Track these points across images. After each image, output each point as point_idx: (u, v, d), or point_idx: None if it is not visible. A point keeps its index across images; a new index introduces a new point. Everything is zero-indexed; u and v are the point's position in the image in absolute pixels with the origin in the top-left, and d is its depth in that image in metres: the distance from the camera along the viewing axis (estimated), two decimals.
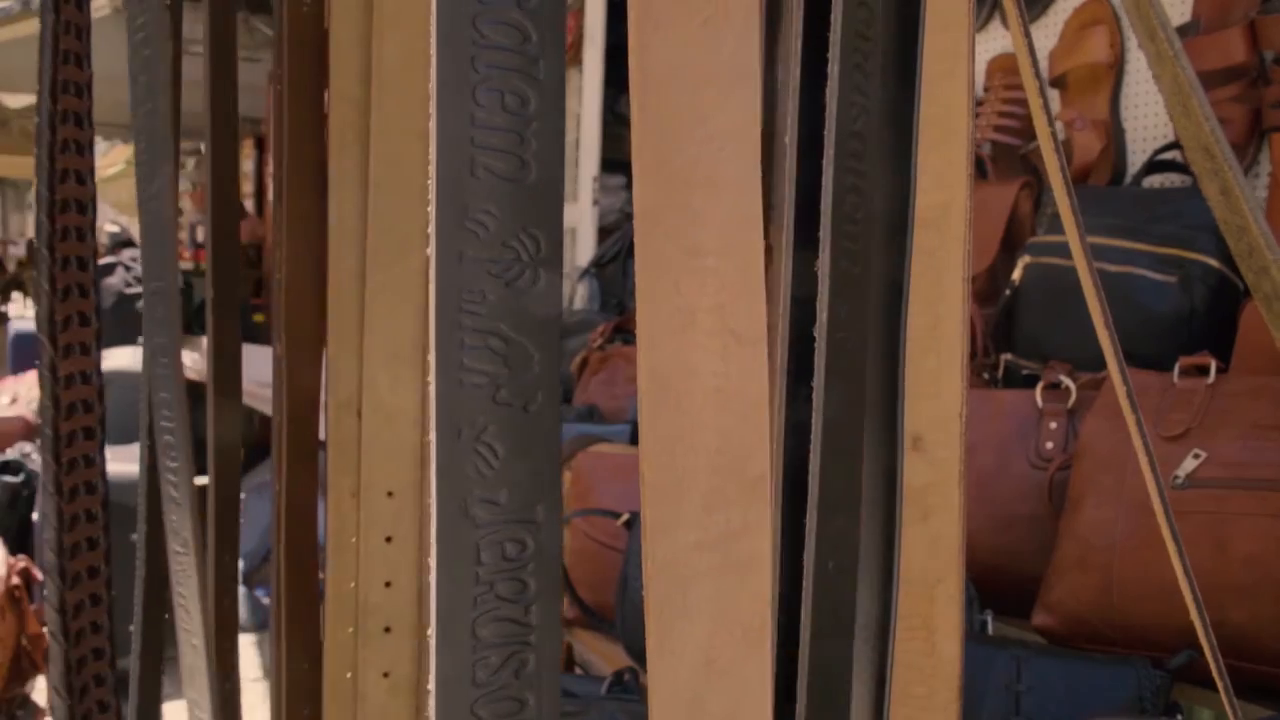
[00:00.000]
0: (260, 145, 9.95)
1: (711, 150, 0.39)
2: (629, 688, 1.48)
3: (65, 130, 0.66)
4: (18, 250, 16.71)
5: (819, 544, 0.39)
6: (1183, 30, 1.84)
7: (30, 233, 23.60)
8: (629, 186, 3.68)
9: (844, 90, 0.38)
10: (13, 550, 2.65)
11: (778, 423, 0.39)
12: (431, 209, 0.31)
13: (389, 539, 0.70)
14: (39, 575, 2.66)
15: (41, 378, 0.71)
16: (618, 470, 1.87)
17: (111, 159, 18.51)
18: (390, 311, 0.69)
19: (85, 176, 0.72)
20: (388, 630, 0.70)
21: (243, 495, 2.96)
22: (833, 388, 0.38)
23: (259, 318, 6.17)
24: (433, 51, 0.31)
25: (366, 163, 0.69)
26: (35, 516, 2.82)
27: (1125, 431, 1.40)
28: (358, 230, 0.69)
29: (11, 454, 3.17)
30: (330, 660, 0.70)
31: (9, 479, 3.05)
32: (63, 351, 0.71)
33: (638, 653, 1.60)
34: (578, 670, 1.93)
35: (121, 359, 3.43)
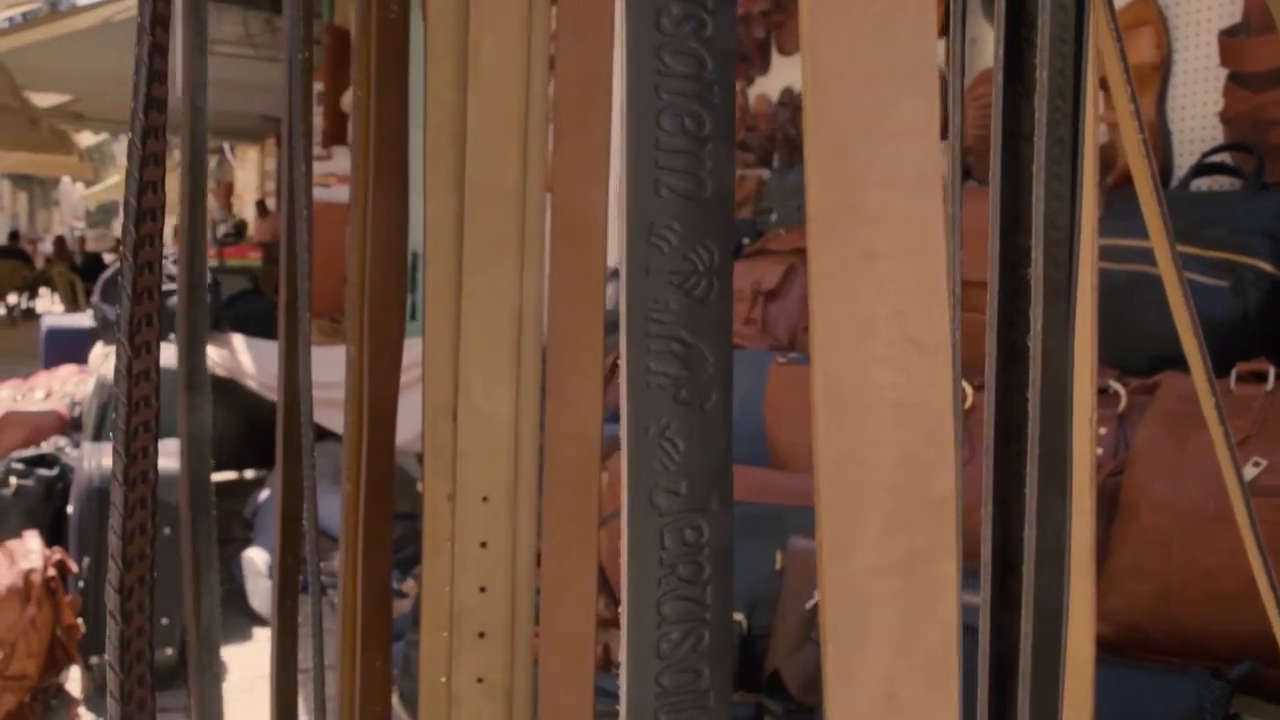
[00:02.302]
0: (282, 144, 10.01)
1: (889, 149, 0.37)
2: None
3: (151, 144, 0.67)
4: (45, 247, 16.88)
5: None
6: (1232, 31, 1.82)
7: (55, 230, 23.86)
8: None
9: (1051, 96, 0.38)
10: (48, 543, 2.68)
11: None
12: (620, 226, 0.32)
13: (484, 544, 0.70)
14: (73, 567, 2.68)
15: (117, 376, 0.72)
16: None
17: None
18: (486, 316, 0.69)
19: (160, 186, 0.74)
20: (482, 635, 0.70)
21: (268, 491, 2.97)
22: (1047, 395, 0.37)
23: None
24: (621, 81, 0.32)
25: (461, 167, 0.69)
26: (70, 509, 2.84)
27: (1182, 439, 1.39)
28: (453, 235, 0.69)
29: (46, 448, 3.20)
30: (425, 664, 0.70)
31: (44, 472, 3.08)
32: (136, 350, 0.72)
33: None
34: (616, 670, 1.92)
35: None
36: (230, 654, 2.89)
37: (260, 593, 3.09)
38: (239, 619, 3.10)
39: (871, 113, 0.37)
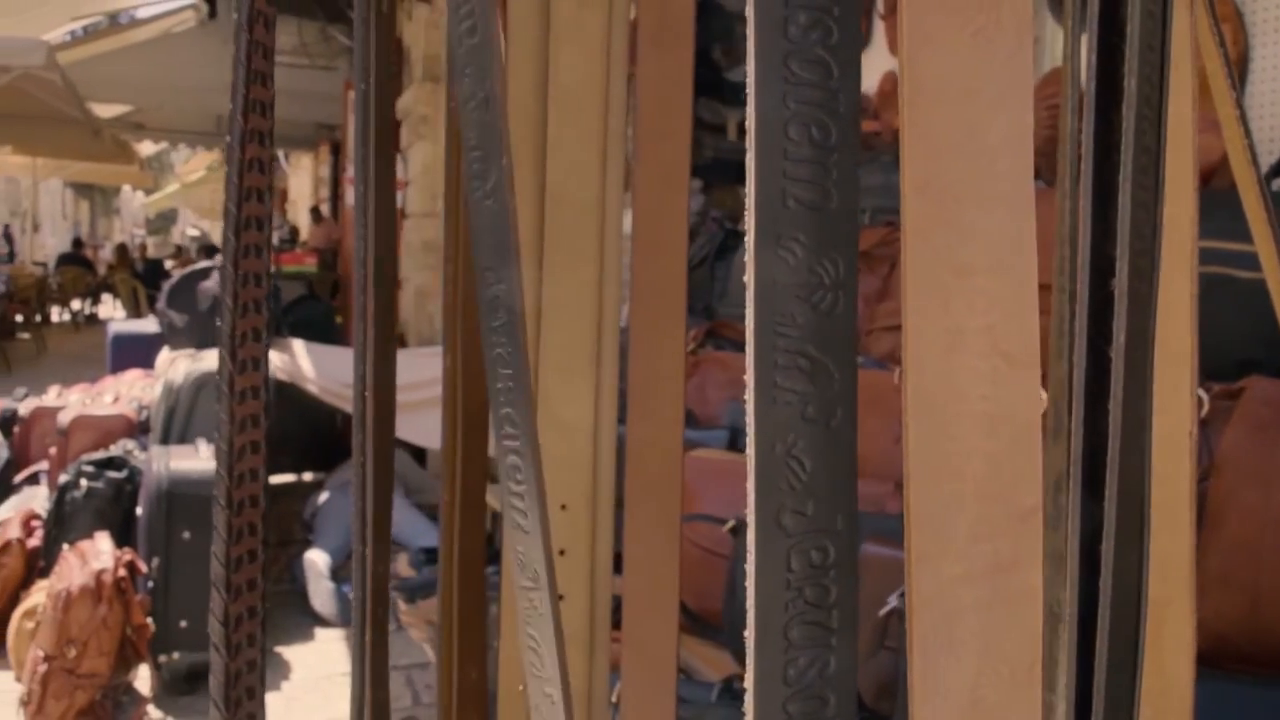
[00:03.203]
0: (336, 151, 10.15)
1: (983, 165, 0.38)
2: (739, 694, 1.47)
3: (252, 149, 0.68)
4: (106, 254, 17.29)
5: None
6: None
7: (116, 237, 24.39)
8: (705, 190, 3.67)
9: (1139, 105, 0.37)
10: (117, 543, 2.74)
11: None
12: (749, 238, 0.31)
13: (562, 552, 0.71)
14: (142, 568, 2.74)
15: (220, 393, 0.73)
16: (718, 475, 1.86)
17: (194, 165, 19.01)
18: (565, 325, 0.70)
19: (265, 194, 0.74)
20: None
21: (327, 494, 3.01)
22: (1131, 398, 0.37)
23: (339, 319, 6.29)
24: (751, 91, 0.31)
25: (541, 176, 0.69)
26: (139, 511, 2.90)
27: (1271, 445, 1.35)
28: (533, 244, 0.69)
29: (115, 450, 3.27)
30: (503, 672, 0.70)
31: (113, 475, 3.14)
32: (239, 367, 0.72)
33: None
34: (681, 676, 1.93)
35: (217, 360, 3.52)
36: (293, 654, 2.93)
37: (322, 594, 3.13)
38: (301, 620, 3.15)
39: (967, 129, 0.37)
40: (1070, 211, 0.43)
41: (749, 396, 0.31)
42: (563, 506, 0.71)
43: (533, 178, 0.69)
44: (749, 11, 0.31)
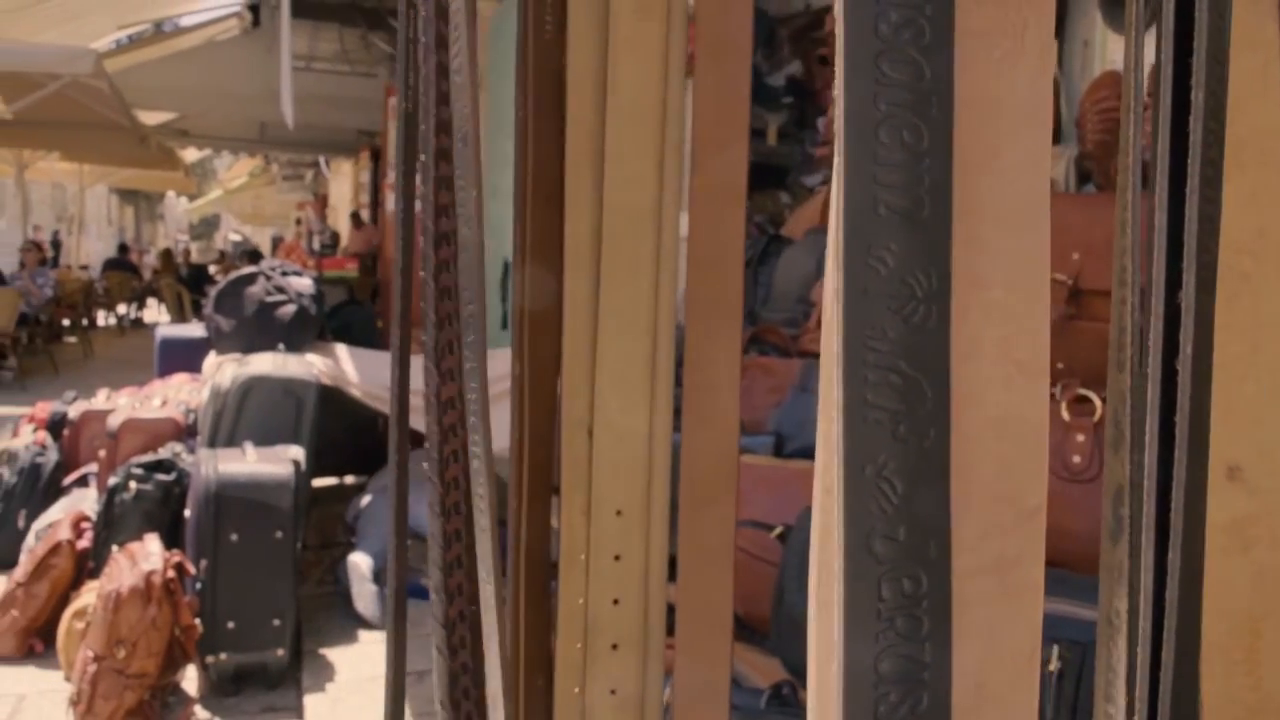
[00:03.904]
0: (376, 157, 10.25)
1: (1002, 184, 0.39)
2: (788, 701, 1.47)
3: (444, 168, 0.69)
4: (150, 259, 17.57)
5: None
6: None
7: (161, 243, 24.72)
8: (747, 194, 3.67)
9: (1206, 119, 0.37)
10: (166, 545, 2.78)
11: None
12: (836, 245, 0.31)
13: (617, 557, 0.71)
14: (191, 569, 2.78)
15: (427, 403, 0.73)
16: (764, 481, 1.86)
17: (235, 171, 19.27)
18: (621, 333, 0.70)
19: (451, 211, 0.75)
20: (615, 648, 0.71)
21: (369, 496, 3.03)
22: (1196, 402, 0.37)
23: (380, 323, 6.35)
24: (839, 91, 0.31)
25: (599, 187, 0.70)
26: (187, 513, 2.95)
27: None
28: (591, 253, 0.70)
29: (164, 453, 3.32)
30: (559, 675, 0.71)
31: (162, 477, 3.19)
32: (444, 377, 0.73)
33: (796, 667, 1.59)
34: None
35: (263, 365, 3.57)
36: (337, 656, 2.96)
37: (365, 596, 3.16)
38: (345, 622, 3.18)
39: (987, 149, 0.38)
40: (1133, 224, 0.43)
41: (837, 414, 0.31)
42: (618, 512, 0.71)
43: (590, 188, 0.70)
44: (838, 9, 0.31)
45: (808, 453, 2.12)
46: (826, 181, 3.47)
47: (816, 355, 2.28)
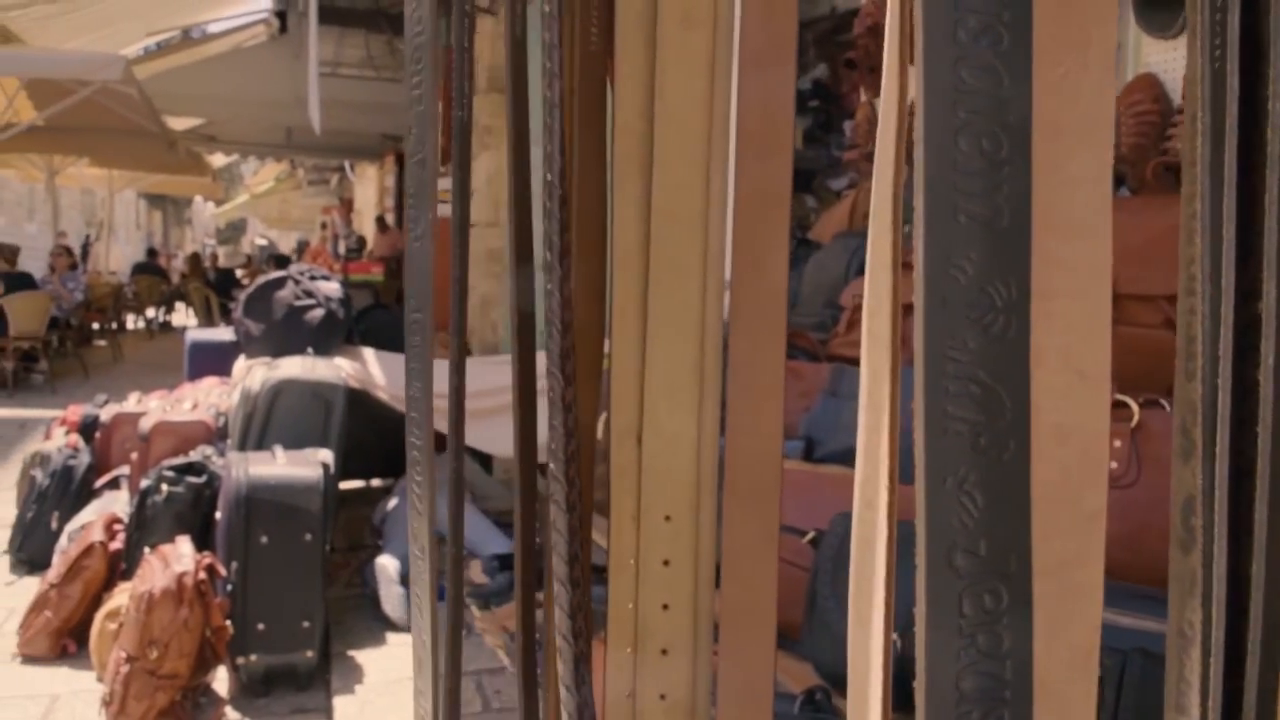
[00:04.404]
0: (401, 161, 10.30)
1: (1065, 196, 0.39)
2: (822, 707, 1.47)
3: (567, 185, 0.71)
4: (177, 263, 17.73)
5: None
6: None
7: (188, 247, 24.93)
8: None
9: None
10: (197, 547, 2.80)
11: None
12: (919, 255, 0.31)
13: (666, 562, 0.72)
14: (222, 571, 2.80)
15: (552, 406, 0.74)
16: (795, 486, 1.86)
17: (262, 176, 19.42)
18: (670, 339, 0.71)
19: (570, 225, 0.76)
20: (664, 653, 0.71)
21: (395, 499, 3.04)
22: None
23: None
24: (921, 96, 0.31)
25: (647, 194, 0.71)
26: (218, 515, 2.97)
27: None
28: (639, 259, 0.71)
29: (194, 456, 3.34)
30: (611, 680, 0.71)
31: (193, 480, 3.22)
32: (567, 380, 0.74)
33: (828, 672, 1.58)
34: None
35: (292, 368, 3.59)
36: (365, 658, 2.98)
37: (393, 599, 3.17)
38: (372, 624, 3.19)
39: (1050, 162, 0.39)
40: (1203, 233, 0.43)
41: (917, 425, 0.31)
42: (666, 518, 0.72)
43: (639, 195, 0.71)
44: (917, 14, 0.31)
45: (838, 458, 2.11)
46: (853, 185, 3.46)
47: (846, 360, 2.27)
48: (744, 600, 0.74)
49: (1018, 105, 0.32)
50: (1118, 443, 1.44)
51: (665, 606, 0.72)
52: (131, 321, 14.22)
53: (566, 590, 0.58)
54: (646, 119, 0.70)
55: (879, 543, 0.40)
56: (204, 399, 3.89)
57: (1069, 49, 0.39)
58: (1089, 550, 0.40)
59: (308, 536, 2.85)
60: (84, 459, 3.97)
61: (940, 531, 0.31)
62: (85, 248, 14.63)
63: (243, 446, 3.35)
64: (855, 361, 2.35)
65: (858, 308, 2.29)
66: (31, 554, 3.84)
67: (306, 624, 2.81)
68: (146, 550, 2.89)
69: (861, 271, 2.38)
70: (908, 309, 1.44)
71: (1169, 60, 1.96)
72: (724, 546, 0.74)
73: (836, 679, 1.55)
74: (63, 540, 3.48)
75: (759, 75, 0.69)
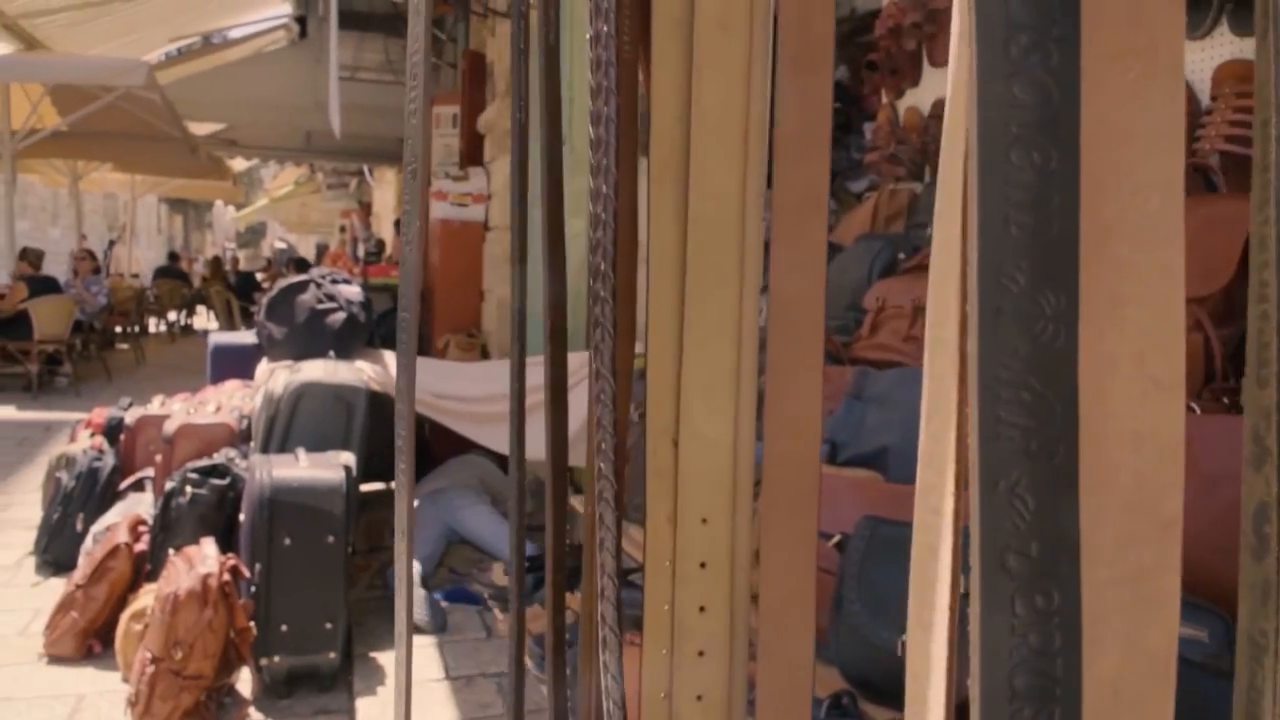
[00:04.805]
0: None
1: (1138, 203, 0.40)
2: (848, 711, 1.47)
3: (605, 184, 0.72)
4: (198, 267, 17.87)
5: None
6: None
7: (209, 250, 25.11)
8: None
9: None
10: (220, 549, 2.82)
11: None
12: (971, 265, 0.32)
13: (703, 564, 0.72)
14: (245, 573, 2.82)
15: (602, 407, 0.75)
16: (820, 489, 1.85)
17: (282, 180, 19.52)
18: (707, 342, 0.71)
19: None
20: (701, 654, 0.72)
21: (416, 502, 3.04)
22: None
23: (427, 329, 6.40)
24: (972, 113, 0.32)
25: (684, 200, 0.71)
26: (241, 518, 2.99)
27: None
28: (676, 263, 0.71)
29: (218, 458, 3.37)
30: (647, 681, 0.72)
31: (217, 482, 3.24)
32: (612, 376, 0.75)
33: (854, 676, 1.58)
34: None
35: (314, 371, 3.61)
36: (387, 660, 2.99)
37: (415, 601, 3.19)
38: (394, 626, 3.21)
39: (1123, 169, 0.39)
40: (1277, 238, 0.43)
41: (973, 429, 0.31)
42: (703, 520, 0.72)
43: (675, 201, 0.71)
44: (968, 29, 0.32)
45: (861, 461, 2.11)
46: (873, 188, 3.45)
47: (869, 362, 2.27)
48: (782, 602, 0.74)
49: (1067, 120, 0.32)
50: None
51: (702, 609, 0.72)
52: (154, 325, 14.33)
53: (614, 584, 0.58)
54: (683, 124, 0.71)
55: (944, 549, 0.40)
56: (227, 402, 3.92)
57: (1137, 54, 0.39)
58: (1166, 557, 0.41)
59: (330, 538, 2.87)
60: (109, 461, 4.00)
61: (993, 534, 0.31)
62: (107, 252, 14.74)
63: (266, 449, 3.37)
64: (879, 364, 2.35)
65: (881, 310, 2.28)
66: (57, 555, 3.87)
67: (329, 625, 2.82)
68: (171, 552, 2.91)
69: (885, 274, 2.38)
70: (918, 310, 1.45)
71: (1196, 60, 1.95)
72: (763, 549, 0.75)
73: (863, 683, 1.54)
74: (88, 542, 3.51)
75: (797, 80, 0.70)
